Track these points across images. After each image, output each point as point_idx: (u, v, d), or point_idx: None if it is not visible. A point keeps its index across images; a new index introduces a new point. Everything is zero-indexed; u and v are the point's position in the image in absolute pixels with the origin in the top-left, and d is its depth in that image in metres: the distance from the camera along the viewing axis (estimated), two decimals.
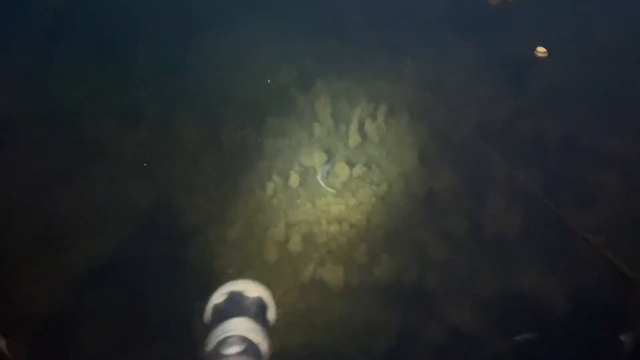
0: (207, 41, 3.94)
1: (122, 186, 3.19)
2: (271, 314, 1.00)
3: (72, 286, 2.87)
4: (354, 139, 3.56)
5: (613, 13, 4.33)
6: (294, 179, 3.34)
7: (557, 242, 3.02)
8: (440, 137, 3.55)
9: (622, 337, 2.66)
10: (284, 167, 3.40)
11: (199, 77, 3.74)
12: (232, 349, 0.85)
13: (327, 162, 3.42)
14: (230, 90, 3.68)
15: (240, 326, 0.90)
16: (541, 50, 3.99)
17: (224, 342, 0.87)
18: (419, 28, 4.18)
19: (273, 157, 3.45)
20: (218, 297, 0.99)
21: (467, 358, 2.67)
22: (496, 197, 3.21)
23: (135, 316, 2.78)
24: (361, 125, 3.61)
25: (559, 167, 3.34)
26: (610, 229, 3.03)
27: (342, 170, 3.40)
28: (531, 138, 3.47)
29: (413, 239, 3.13)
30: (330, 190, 3.30)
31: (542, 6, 4.37)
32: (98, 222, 3.07)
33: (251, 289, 0.99)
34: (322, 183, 3.32)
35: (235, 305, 0.96)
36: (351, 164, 3.44)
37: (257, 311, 0.96)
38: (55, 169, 3.31)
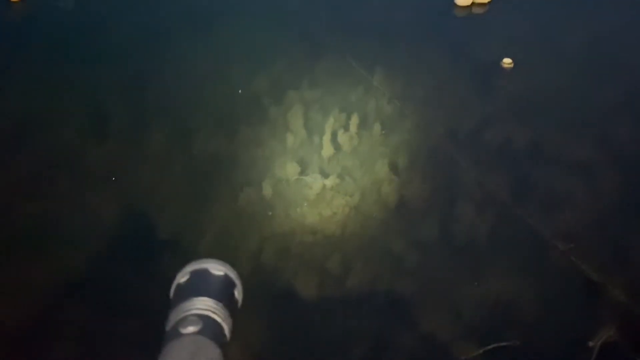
0: (177, 50, 3.92)
1: (88, 200, 3.12)
2: (239, 293, 0.95)
3: (37, 304, 2.78)
4: (327, 149, 3.57)
5: (578, 23, 4.47)
6: (267, 190, 3.32)
7: (526, 248, 3.07)
8: (410, 146, 3.59)
9: (591, 343, 2.70)
10: (256, 178, 3.38)
11: (169, 87, 3.71)
12: (189, 329, 0.81)
13: None
14: (201, 101, 3.67)
15: (200, 305, 0.86)
16: (507, 62, 4.08)
17: (181, 321, 0.83)
18: (389, 38, 4.25)
19: (245, 168, 3.43)
20: (182, 276, 0.94)
21: None
22: (466, 205, 3.25)
23: (105, 333, 2.70)
24: (334, 136, 3.63)
25: (526, 175, 3.40)
26: (578, 236, 3.10)
27: (315, 181, 3.41)
28: (499, 146, 3.54)
29: (386, 248, 3.13)
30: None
31: (508, 17, 4.49)
32: (64, 238, 2.98)
33: (216, 268, 0.94)
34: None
35: (198, 285, 0.91)
36: (325, 175, 3.44)
37: (222, 290, 0.92)
38: (17, 182, 3.23)
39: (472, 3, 4.56)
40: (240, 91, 3.71)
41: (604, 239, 3.13)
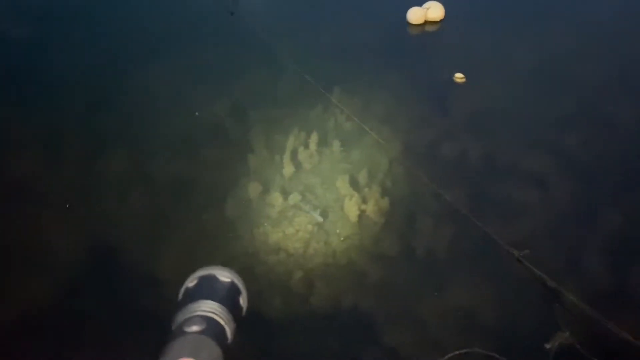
0: (136, 75, 3.91)
1: (44, 228, 3.06)
2: (244, 300, 0.99)
3: None
4: (288, 168, 3.61)
5: (527, 39, 4.66)
6: (231, 211, 3.33)
7: (484, 257, 3.15)
8: (369, 162, 3.66)
9: (548, 345, 2.79)
10: (218, 199, 3.39)
11: (127, 112, 3.70)
12: (193, 328, 0.85)
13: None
14: (161, 124, 3.67)
15: (205, 307, 0.90)
16: (459, 76, 4.22)
17: (186, 321, 0.87)
18: (347, 57, 4.35)
19: (207, 190, 3.43)
20: (191, 281, 0.98)
21: None
22: (425, 218, 3.33)
23: None
24: (294, 155, 3.67)
25: (483, 186, 3.51)
26: (533, 243, 3.20)
27: (276, 199, 3.44)
28: (456, 159, 3.64)
29: (349, 264, 3.17)
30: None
31: (459, 33, 4.65)
32: (17, 266, 2.92)
33: (224, 274, 0.98)
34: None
35: (204, 289, 0.95)
36: (286, 193, 3.47)
37: (227, 295, 0.96)
38: None
39: (425, 21, 4.71)
40: (197, 113, 3.73)
41: (558, 246, 3.24)
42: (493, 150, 3.71)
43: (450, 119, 3.91)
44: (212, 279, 0.98)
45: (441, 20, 4.77)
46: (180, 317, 0.90)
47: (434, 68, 4.27)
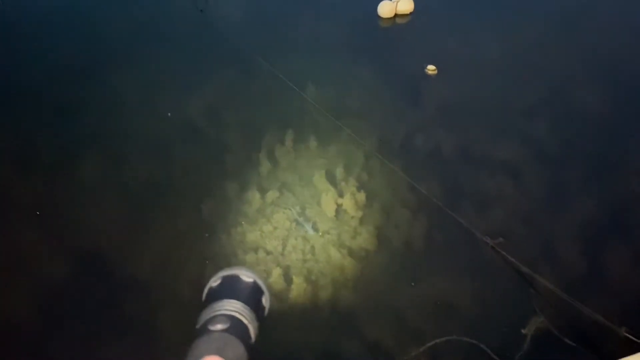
0: (105, 78, 3.86)
1: (14, 237, 3.00)
2: (266, 300, 1.01)
3: None
4: (264, 165, 3.60)
5: (496, 30, 4.72)
6: (206, 212, 3.31)
7: (459, 247, 3.20)
8: (346, 157, 3.68)
9: (524, 330, 2.85)
10: (194, 200, 3.37)
11: (98, 115, 3.65)
12: (217, 326, 0.87)
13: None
14: (133, 127, 3.62)
15: (229, 306, 0.92)
16: (431, 68, 4.26)
17: (210, 320, 0.89)
18: (318, 53, 4.35)
19: (183, 191, 3.41)
20: (214, 280, 1.01)
21: None
22: (401, 210, 3.36)
23: None
24: (271, 152, 3.67)
25: (456, 177, 3.55)
26: (507, 231, 3.26)
27: (254, 198, 3.44)
28: (430, 151, 3.68)
29: (327, 259, 3.19)
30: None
31: (429, 26, 4.69)
32: None
33: (246, 275, 0.99)
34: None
35: (228, 288, 0.97)
36: (263, 190, 3.47)
37: (250, 295, 0.98)
38: None
39: (395, 15, 4.74)
40: (169, 114, 3.69)
41: (532, 233, 3.30)
42: (466, 141, 3.76)
43: (423, 112, 3.94)
44: (235, 279, 1.01)
45: (411, 13, 4.80)
46: (205, 315, 0.93)
47: (405, 61, 4.30)
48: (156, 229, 3.19)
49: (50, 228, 3.09)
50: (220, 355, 0.83)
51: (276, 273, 3.10)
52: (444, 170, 3.60)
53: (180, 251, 3.11)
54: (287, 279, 3.10)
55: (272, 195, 3.46)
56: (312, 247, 3.24)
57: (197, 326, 0.92)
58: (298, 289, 3.05)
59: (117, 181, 3.35)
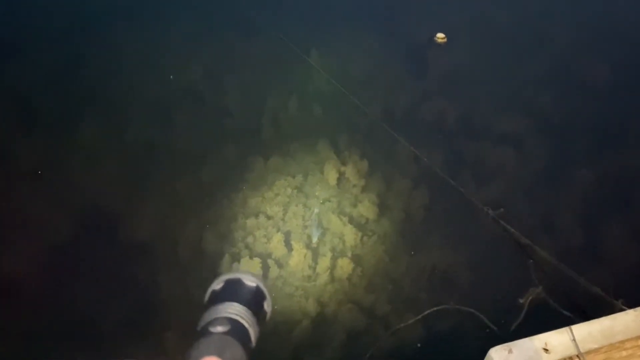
0: (108, 38, 3.79)
1: (16, 196, 3.01)
2: (268, 305, 1.02)
3: None
4: (266, 131, 3.58)
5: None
6: (206, 176, 3.31)
7: (460, 216, 3.20)
8: (349, 125, 3.64)
9: (521, 300, 2.88)
10: (195, 163, 3.36)
11: (99, 76, 3.60)
12: (218, 329, 0.88)
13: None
14: (134, 90, 3.58)
15: (230, 309, 0.94)
16: (440, 36, 4.18)
17: (211, 322, 0.90)
18: (324, 19, 4.25)
19: (184, 155, 3.39)
20: (217, 283, 1.02)
21: (380, 335, 2.78)
22: (403, 179, 3.35)
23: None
24: (274, 118, 3.63)
25: (459, 147, 3.53)
26: (508, 202, 3.26)
27: (256, 163, 3.42)
28: (434, 121, 3.64)
29: (328, 226, 3.20)
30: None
31: None
32: None
33: (249, 279, 1.01)
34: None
35: (230, 292, 0.99)
36: (265, 156, 3.45)
37: (252, 299, 0.99)
38: None
39: None
40: (171, 77, 3.64)
41: (532, 204, 3.31)
42: (470, 111, 3.71)
43: (429, 81, 3.88)
44: (238, 282, 1.01)
45: None
46: (206, 317, 0.93)
47: (414, 29, 4.21)
48: (156, 191, 3.19)
49: (51, 187, 3.09)
50: (220, 356, 0.84)
51: (276, 238, 3.11)
52: (447, 141, 3.57)
53: (180, 214, 3.12)
54: (288, 245, 3.12)
55: (274, 161, 3.44)
56: (313, 213, 3.25)
57: (198, 328, 0.93)
58: (298, 254, 3.07)
59: (117, 142, 3.33)
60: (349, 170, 3.44)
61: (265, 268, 3.01)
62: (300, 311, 2.87)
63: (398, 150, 3.48)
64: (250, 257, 3.03)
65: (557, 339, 2.25)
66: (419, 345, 2.77)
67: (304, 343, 2.77)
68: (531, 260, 3.02)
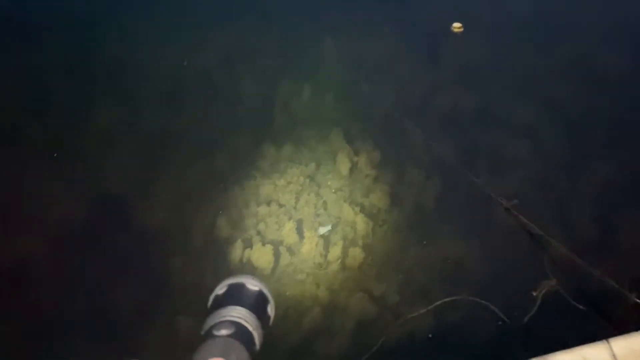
0: (122, 22, 3.79)
1: (30, 179, 3.04)
2: (271, 309, 1.03)
3: None
4: (279, 119, 3.56)
5: None
6: (220, 163, 3.31)
7: (473, 207, 3.17)
8: (362, 114, 3.62)
9: (534, 293, 2.85)
10: (208, 150, 3.36)
11: (113, 60, 3.60)
12: (222, 332, 0.89)
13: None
14: (148, 74, 3.58)
15: (234, 312, 0.94)
16: (457, 26, 4.12)
17: (215, 325, 0.91)
18: (339, 6, 4.21)
19: (197, 141, 3.40)
20: (220, 288, 1.03)
21: (390, 325, 2.77)
22: (416, 170, 3.32)
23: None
24: (286, 105, 3.62)
25: (473, 138, 3.48)
26: (522, 193, 3.22)
27: (269, 151, 3.42)
28: (447, 111, 3.60)
29: (340, 215, 3.19)
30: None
31: None
32: (9, 218, 2.92)
33: (252, 283, 1.01)
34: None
35: (233, 296, 0.99)
36: (278, 145, 3.44)
37: (255, 303, 1.00)
38: None
39: None
40: (185, 63, 3.64)
41: (547, 196, 3.26)
42: (486, 102, 3.66)
43: (444, 70, 3.83)
44: (241, 287, 1.02)
45: None
46: (210, 321, 0.94)
47: (430, 18, 4.15)
48: (169, 177, 3.20)
49: (66, 171, 3.11)
50: (225, 358, 0.84)
51: (288, 226, 3.11)
52: (462, 131, 3.52)
53: (194, 200, 3.13)
54: (300, 233, 3.12)
55: (287, 149, 3.43)
56: (325, 202, 3.24)
57: (202, 332, 0.93)
58: (310, 242, 3.07)
59: (131, 128, 3.34)
60: (362, 160, 3.42)
61: (277, 255, 3.01)
62: (311, 298, 2.87)
63: (411, 140, 3.44)
64: (263, 244, 3.03)
65: (595, 354, 2.19)
66: (430, 335, 2.76)
67: (314, 329, 2.78)
68: (545, 253, 2.98)
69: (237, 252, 3.00)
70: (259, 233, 3.10)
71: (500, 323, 2.78)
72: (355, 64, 3.86)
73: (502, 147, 3.44)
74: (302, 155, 3.43)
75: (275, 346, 2.71)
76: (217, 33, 3.86)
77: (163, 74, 3.59)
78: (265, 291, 1.04)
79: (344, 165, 3.40)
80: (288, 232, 3.09)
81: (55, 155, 3.11)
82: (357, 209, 3.21)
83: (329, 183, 3.34)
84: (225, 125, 3.47)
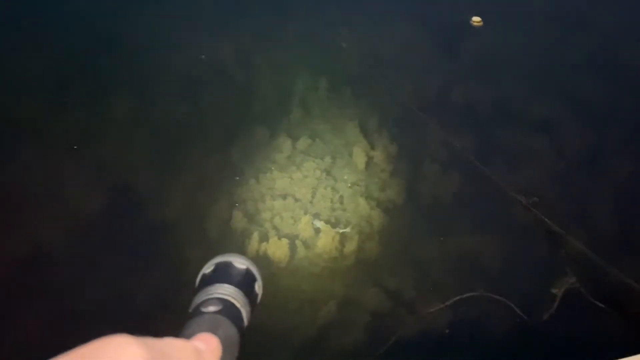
0: (139, 15, 3.80)
1: (51, 170, 3.07)
2: (259, 287, 1.02)
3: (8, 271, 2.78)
4: (296, 112, 3.56)
5: None
6: (236, 156, 3.31)
7: (490, 204, 3.14)
8: (379, 108, 3.59)
9: (554, 290, 2.82)
10: (224, 143, 3.36)
11: (131, 55, 3.62)
12: (210, 308, 0.89)
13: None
14: (165, 67, 3.58)
15: (221, 290, 0.94)
16: (476, 20, 4.07)
17: (203, 303, 0.91)
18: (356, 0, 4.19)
19: (213, 134, 3.40)
20: (207, 267, 1.03)
21: (405, 320, 2.76)
22: (433, 164, 3.30)
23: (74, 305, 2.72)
24: (303, 99, 3.61)
25: (492, 133, 3.45)
26: (541, 190, 3.18)
27: (285, 144, 3.41)
28: (465, 106, 3.56)
29: (356, 209, 3.18)
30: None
31: None
32: (29, 208, 2.95)
33: (239, 261, 1.02)
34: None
35: (221, 274, 0.99)
36: (294, 138, 3.44)
37: (243, 281, 0.99)
38: None
39: None
40: (203, 56, 3.64)
41: (566, 193, 3.22)
42: (504, 96, 3.62)
43: (462, 64, 3.80)
44: (229, 265, 1.01)
45: None
46: (198, 299, 0.94)
47: (449, 11, 4.11)
48: (186, 169, 3.21)
49: (85, 162, 3.13)
50: (213, 333, 0.84)
51: (304, 220, 3.11)
52: (480, 126, 3.49)
53: (209, 192, 3.14)
54: (315, 227, 3.11)
55: (303, 143, 3.42)
56: (341, 196, 3.23)
57: (190, 310, 0.93)
58: (325, 236, 3.06)
59: (149, 120, 3.35)
60: (378, 154, 3.40)
61: (293, 249, 3.01)
62: (326, 292, 2.86)
63: (428, 135, 3.42)
64: (278, 238, 3.03)
65: None
66: (447, 331, 2.74)
67: (329, 323, 2.77)
68: (564, 250, 2.95)
69: (253, 245, 3.00)
70: (274, 227, 3.09)
71: (519, 320, 2.75)
72: (372, 57, 3.84)
73: (521, 142, 3.40)
74: (318, 149, 3.42)
75: (290, 339, 2.72)
76: (235, 27, 3.85)
77: (180, 68, 3.59)
78: (253, 269, 1.02)
79: (360, 159, 3.38)
80: (304, 226, 3.08)
81: (75, 147, 3.14)
82: (374, 203, 3.20)
83: (345, 177, 3.33)
84: (242, 118, 3.47)
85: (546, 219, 3.01)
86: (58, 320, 2.66)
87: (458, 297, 2.78)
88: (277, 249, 3.01)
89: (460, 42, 3.95)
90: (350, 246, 3.02)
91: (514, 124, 3.49)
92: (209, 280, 0.97)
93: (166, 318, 2.71)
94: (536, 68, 3.85)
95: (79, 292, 2.75)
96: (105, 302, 2.75)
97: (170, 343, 0.62)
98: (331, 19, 3.99)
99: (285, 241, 3.04)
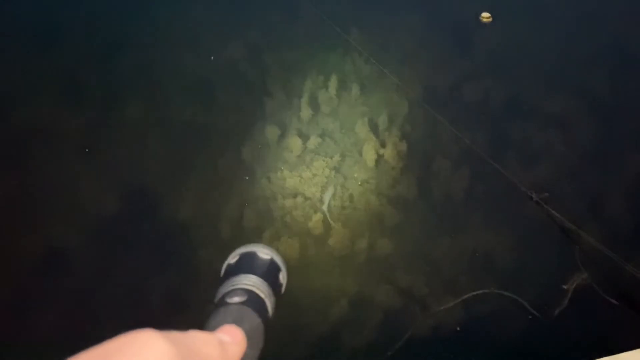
0: (150, 17, 3.84)
1: (64, 172, 3.11)
2: (283, 277, 1.02)
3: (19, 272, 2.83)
4: (305, 111, 3.57)
5: None
6: (247, 155, 3.33)
7: (502, 200, 3.13)
8: (389, 105, 3.59)
9: (565, 286, 2.80)
10: (235, 143, 3.39)
11: (142, 56, 3.65)
12: (235, 299, 0.89)
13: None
14: (177, 68, 3.61)
15: (246, 280, 0.94)
16: (486, 16, 4.05)
17: (228, 293, 0.91)
18: None
19: (223, 134, 3.43)
20: (232, 257, 1.03)
21: (417, 317, 2.77)
22: (444, 161, 3.29)
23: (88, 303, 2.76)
24: (313, 98, 3.62)
25: (503, 129, 3.43)
26: (553, 186, 3.16)
27: (295, 143, 3.43)
28: (477, 102, 3.55)
29: (366, 207, 3.19)
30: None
31: None
32: (42, 210, 3.00)
33: (264, 252, 1.04)
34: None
35: (245, 265, 0.99)
36: (304, 137, 3.45)
37: (267, 271, 0.99)
38: None
39: None
40: (212, 58, 3.66)
41: (578, 189, 3.20)
42: (515, 92, 3.60)
43: (472, 60, 3.77)
44: (253, 255, 1.01)
45: None
46: (223, 289, 0.94)
47: (458, 7, 4.09)
48: (198, 169, 3.24)
49: (99, 163, 3.18)
50: (238, 325, 0.85)
51: (315, 218, 3.12)
52: (491, 122, 3.48)
53: (221, 192, 3.17)
54: (326, 225, 3.12)
55: (313, 141, 3.44)
56: (351, 194, 3.24)
57: (215, 300, 0.93)
58: (336, 234, 3.08)
59: (160, 121, 3.39)
60: (388, 152, 3.40)
61: (304, 247, 3.03)
62: (338, 289, 2.88)
63: (439, 131, 3.41)
64: (290, 237, 3.05)
65: None
66: (458, 328, 2.74)
67: (341, 320, 2.79)
68: (576, 246, 2.93)
69: (264, 243, 3.01)
70: (285, 225, 3.12)
71: (530, 317, 2.74)
72: (382, 54, 3.83)
73: (533, 137, 3.38)
74: (328, 148, 3.43)
75: (303, 336, 2.74)
76: (245, 27, 3.87)
77: (191, 69, 3.62)
78: (277, 259, 1.02)
79: (370, 156, 3.38)
80: (315, 224, 3.10)
81: (87, 150, 3.18)
82: (384, 200, 3.20)
83: (355, 175, 3.34)
84: (252, 117, 3.49)
85: (558, 215, 2.99)
86: (75, 319, 2.71)
87: (470, 294, 2.78)
88: (288, 247, 3.03)
89: (469, 38, 3.93)
90: (361, 244, 3.03)
91: (525, 119, 3.47)
92: (234, 271, 0.98)
93: (181, 315, 2.75)
94: (547, 63, 3.82)
95: (96, 291, 2.80)
96: (121, 301, 2.79)
97: (195, 336, 0.63)
98: (341, 18, 3.98)
99: (296, 239, 3.06)
